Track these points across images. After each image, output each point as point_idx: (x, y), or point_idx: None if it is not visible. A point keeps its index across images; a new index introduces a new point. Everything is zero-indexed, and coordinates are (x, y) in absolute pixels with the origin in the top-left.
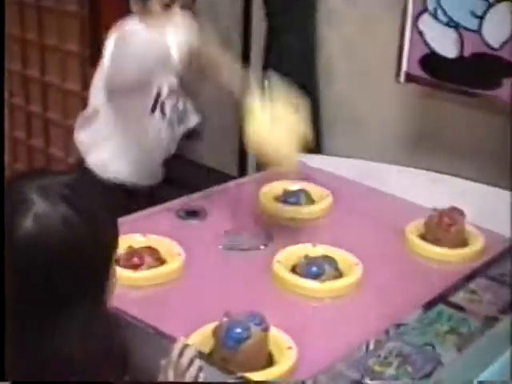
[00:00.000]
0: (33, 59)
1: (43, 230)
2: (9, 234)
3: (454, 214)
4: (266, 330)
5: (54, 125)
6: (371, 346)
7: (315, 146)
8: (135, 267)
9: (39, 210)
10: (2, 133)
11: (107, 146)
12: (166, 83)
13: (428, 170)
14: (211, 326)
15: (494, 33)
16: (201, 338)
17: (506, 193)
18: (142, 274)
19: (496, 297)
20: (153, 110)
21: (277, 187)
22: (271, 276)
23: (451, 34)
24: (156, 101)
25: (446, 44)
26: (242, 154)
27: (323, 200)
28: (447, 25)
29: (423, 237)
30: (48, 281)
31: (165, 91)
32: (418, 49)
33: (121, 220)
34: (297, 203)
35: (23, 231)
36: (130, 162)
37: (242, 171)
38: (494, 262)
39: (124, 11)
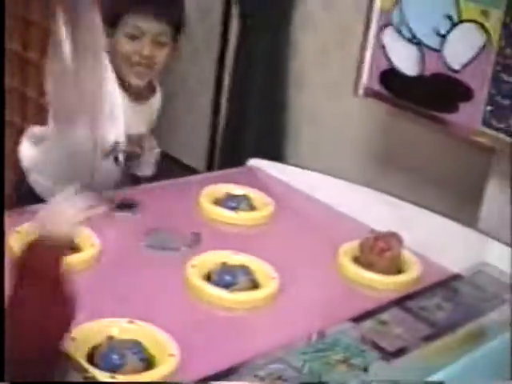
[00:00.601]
0: None
1: None
2: None
3: (390, 239)
4: (144, 360)
5: None
6: (254, 365)
7: (277, 153)
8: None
9: None
10: (3, 130)
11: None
12: (137, 133)
13: (382, 190)
14: (102, 322)
15: (455, 54)
16: (85, 332)
17: (456, 225)
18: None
19: (407, 332)
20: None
21: (220, 190)
22: (182, 280)
23: (413, 50)
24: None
25: (407, 61)
26: (212, 150)
27: (264, 208)
28: (410, 41)
29: (357, 259)
30: None
31: (123, 145)
32: (379, 63)
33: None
34: (236, 208)
35: None
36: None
37: (209, 168)
38: (421, 294)
39: None
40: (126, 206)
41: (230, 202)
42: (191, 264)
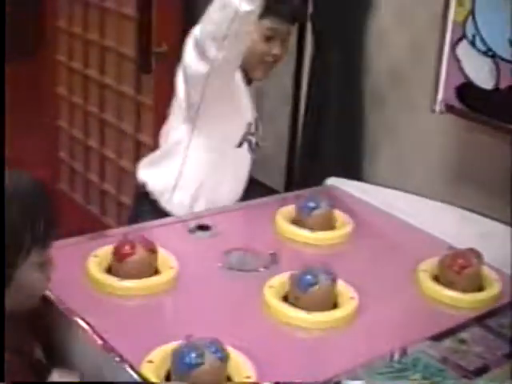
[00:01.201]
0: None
1: None
2: None
3: (469, 256)
4: (222, 359)
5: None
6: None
7: (356, 171)
8: (125, 257)
9: None
10: (3, 133)
11: (187, 190)
12: (254, 116)
13: (460, 206)
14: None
15: None
16: (161, 356)
17: None
18: (128, 284)
19: (487, 350)
20: (239, 145)
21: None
22: (261, 301)
23: (488, 63)
24: (245, 135)
25: (482, 74)
26: (290, 170)
27: (342, 227)
28: (485, 54)
29: (437, 276)
30: None
31: (253, 127)
32: (455, 77)
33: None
34: (314, 228)
35: None
36: (212, 204)
37: (288, 188)
38: (501, 311)
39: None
40: (204, 227)
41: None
42: (269, 285)
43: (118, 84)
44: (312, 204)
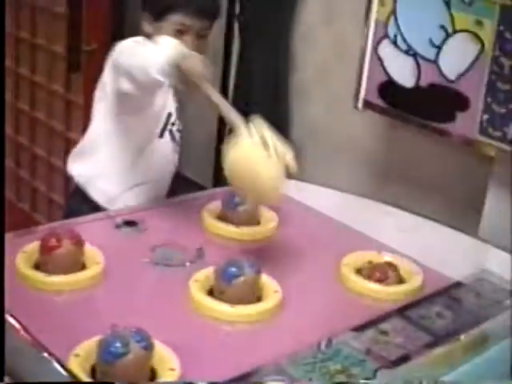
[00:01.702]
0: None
1: None
2: None
3: (386, 270)
4: (147, 348)
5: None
6: (252, 375)
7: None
8: (52, 249)
9: None
10: (3, 131)
11: (112, 178)
12: (174, 107)
13: (383, 201)
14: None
15: (450, 64)
16: (87, 349)
17: (457, 233)
18: (55, 280)
19: (408, 341)
20: (161, 135)
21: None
22: (186, 294)
23: (409, 62)
24: (165, 126)
25: (404, 72)
26: (218, 167)
27: (267, 222)
28: (406, 53)
29: (360, 270)
30: None
31: (174, 116)
32: (377, 75)
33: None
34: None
35: None
36: (138, 195)
37: (217, 184)
38: (421, 303)
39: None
40: (130, 223)
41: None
42: (194, 279)
43: (48, 82)
44: (237, 199)
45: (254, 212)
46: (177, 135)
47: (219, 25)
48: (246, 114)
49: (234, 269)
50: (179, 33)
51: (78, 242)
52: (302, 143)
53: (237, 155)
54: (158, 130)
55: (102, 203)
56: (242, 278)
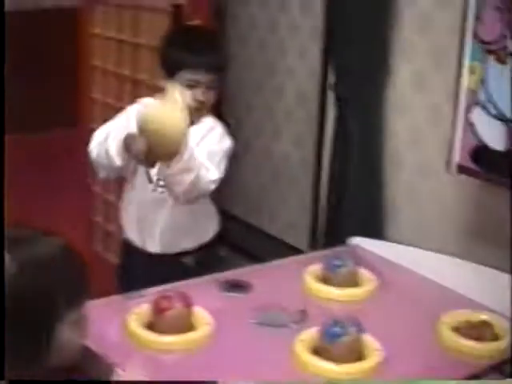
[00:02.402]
0: None
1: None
2: None
3: (482, 328)
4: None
5: None
6: None
7: (377, 231)
8: (164, 311)
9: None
10: (3, 131)
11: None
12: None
13: (477, 262)
14: None
15: None
16: None
17: None
18: (167, 340)
19: None
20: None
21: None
22: (291, 354)
23: (501, 126)
24: (157, 182)
25: (495, 136)
26: (314, 230)
27: (367, 283)
28: (497, 118)
29: (456, 328)
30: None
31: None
32: (469, 140)
33: (166, 287)
34: (340, 285)
35: None
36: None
37: (312, 247)
38: None
39: None
40: (236, 286)
41: (335, 278)
42: (299, 339)
43: None
44: (337, 262)
45: (354, 274)
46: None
47: (314, 93)
48: (341, 179)
49: (337, 328)
50: (189, 87)
51: (188, 304)
52: (397, 206)
53: (149, 111)
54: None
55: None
56: (345, 338)
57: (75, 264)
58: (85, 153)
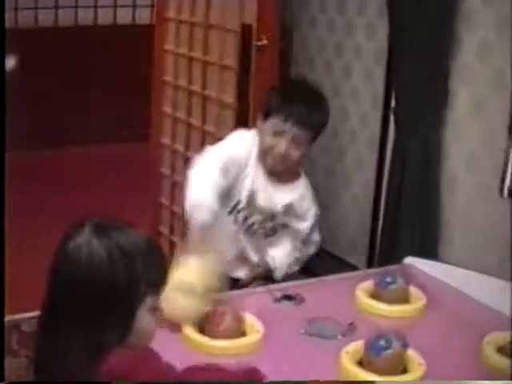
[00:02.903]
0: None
1: (73, 255)
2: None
3: None
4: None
5: None
6: None
7: (432, 251)
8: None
9: (80, 238)
10: (3, 131)
11: None
12: (247, 199)
13: None
14: None
15: None
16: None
17: None
18: (219, 344)
19: None
20: (230, 212)
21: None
22: (337, 365)
23: None
24: (233, 208)
25: None
26: (372, 249)
27: (416, 301)
28: None
29: (500, 349)
30: (64, 297)
31: (243, 202)
32: None
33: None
34: (389, 302)
35: (59, 251)
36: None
37: (369, 266)
38: None
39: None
40: (289, 297)
41: (385, 295)
42: (345, 350)
43: (217, 132)
44: (389, 279)
45: (404, 291)
46: (241, 220)
47: (377, 115)
48: (399, 196)
49: (382, 342)
50: (275, 135)
51: (239, 319)
52: (452, 229)
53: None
54: (229, 208)
55: None
56: (389, 351)
57: (157, 254)
58: (154, 166)
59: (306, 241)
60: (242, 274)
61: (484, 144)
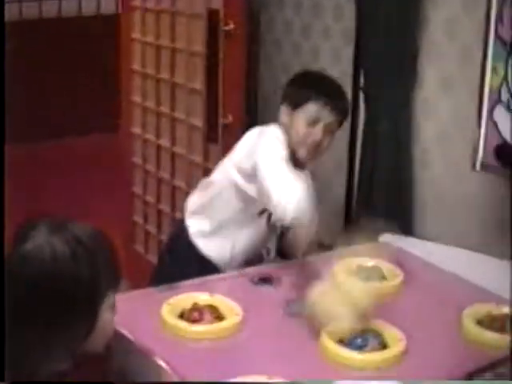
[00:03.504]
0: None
1: (34, 255)
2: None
3: (505, 320)
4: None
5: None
6: None
7: (407, 227)
8: (194, 322)
9: (39, 238)
10: (3, 131)
11: (211, 220)
12: None
13: (501, 258)
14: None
15: None
16: None
17: None
18: (198, 329)
19: None
20: (260, 214)
21: (351, 263)
22: (318, 344)
23: None
24: (264, 209)
25: None
26: (346, 229)
27: (393, 278)
28: None
29: (479, 322)
30: (27, 298)
31: None
32: (493, 139)
33: (197, 280)
34: (367, 279)
35: (17, 253)
36: (228, 249)
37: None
38: None
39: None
40: (265, 280)
41: (361, 272)
42: (326, 330)
43: (187, 153)
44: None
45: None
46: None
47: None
48: (371, 178)
49: (359, 341)
50: (310, 124)
51: (219, 317)
52: (424, 203)
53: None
54: (258, 210)
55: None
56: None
57: (111, 246)
58: (125, 155)
59: None
60: None
61: (454, 120)
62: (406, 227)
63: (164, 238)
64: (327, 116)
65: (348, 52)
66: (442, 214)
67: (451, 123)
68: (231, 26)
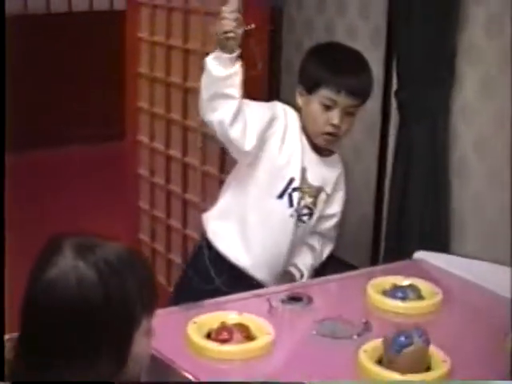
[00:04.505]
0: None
1: (59, 283)
2: (33, 275)
3: None
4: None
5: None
6: None
7: (442, 244)
8: (224, 341)
9: (64, 264)
10: (3, 132)
11: (227, 223)
12: (300, 176)
13: None
14: None
15: None
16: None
17: None
18: (227, 348)
19: None
20: (280, 196)
21: (387, 281)
22: (355, 365)
23: None
24: (285, 188)
25: None
26: (375, 247)
27: (431, 297)
28: None
29: None
30: (53, 329)
31: (297, 182)
32: None
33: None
34: (404, 298)
35: (43, 279)
36: (250, 249)
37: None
38: None
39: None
40: (296, 298)
41: (397, 292)
42: (363, 349)
43: (201, 163)
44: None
45: (419, 289)
46: (296, 200)
47: (376, 101)
48: (404, 187)
49: (403, 338)
50: (326, 107)
51: (248, 337)
52: (462, 216)
53: None
54: (277, 191)
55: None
56: (411, 348)
57: (145, 267)
58: (130, 166)
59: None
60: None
61: (495, 126)
62: (441, 243)
63: (173, 257)
64: (343, 100)
65: (378, 54)
66: (481, 228)
67: (492, 129)
68: (252, 25)
